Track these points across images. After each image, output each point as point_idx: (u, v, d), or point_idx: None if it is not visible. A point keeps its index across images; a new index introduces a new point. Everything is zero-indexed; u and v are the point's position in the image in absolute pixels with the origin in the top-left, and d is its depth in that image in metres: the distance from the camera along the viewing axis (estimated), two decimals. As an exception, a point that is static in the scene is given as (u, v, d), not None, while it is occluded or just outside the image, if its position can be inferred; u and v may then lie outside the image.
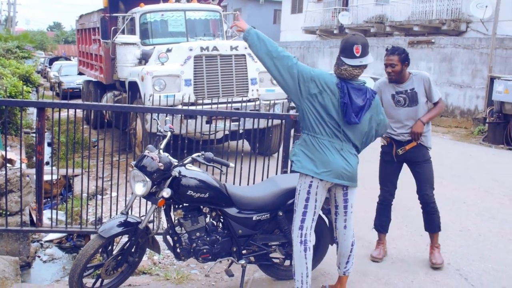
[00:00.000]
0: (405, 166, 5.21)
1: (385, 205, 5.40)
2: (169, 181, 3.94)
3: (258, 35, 3.87)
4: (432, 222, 5.17)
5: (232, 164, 4.07)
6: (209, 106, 6.96)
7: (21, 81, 12.25)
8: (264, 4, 37.49)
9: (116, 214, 4.86)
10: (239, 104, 9.07)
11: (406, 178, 5.36)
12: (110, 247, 4.18)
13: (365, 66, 3.85)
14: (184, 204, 4.11)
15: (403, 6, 24.16)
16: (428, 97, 4.98)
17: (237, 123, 5.89)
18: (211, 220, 4.27)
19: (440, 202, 7.00)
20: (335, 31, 28.35)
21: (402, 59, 4.85)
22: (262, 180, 5.18)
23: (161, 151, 4.04)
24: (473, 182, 8.74)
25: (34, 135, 6.04)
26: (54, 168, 6.52)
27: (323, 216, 4.52)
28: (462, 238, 5.97)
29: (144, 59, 10.32)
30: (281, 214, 4.28)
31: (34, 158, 5.23)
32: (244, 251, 4.31)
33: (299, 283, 3.96)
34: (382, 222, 5.40)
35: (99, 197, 6.63)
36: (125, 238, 4.25)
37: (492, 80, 15.23)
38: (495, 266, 5.18)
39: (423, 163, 5.10)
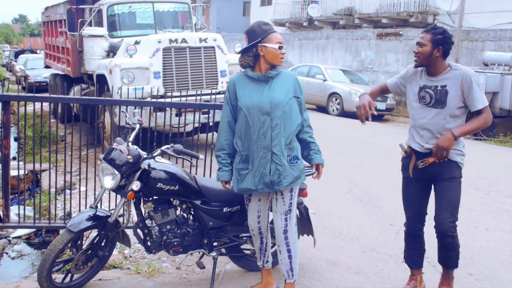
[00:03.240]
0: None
1: (414, 235, 4.34)
2: (138, 174, 3.91)
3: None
4: (448, 259, 4.12)
5: (202, 156, 4.06)
6: (179, 98, 6.91)
7: (-15, 75, 11.97)
8: (233, -4, 37.40)
9: (85, 208, 4.81)
10: (209, 97, 9.05)
11: (372, 165, 5.40)
12: (79, 242, 4.13)
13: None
14: (154, 197, 4.08)
15: (371, -2, 24.39)
16: (466, 102, 3.80)
17: (207, 115, 5.88)
18: (181, 212, 4.24)
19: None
20: (304, 24, 28.47)
21: (435, 40, 3.78)
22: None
23: (130, 143, 4.00)
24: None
25: (-1, 129, 5.94)
26: (21, 163, 6.41)
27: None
28: (430, 226, 6.02)
29: (112, 51, 10.19)
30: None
31: (0, 153, 5.12)
32: (215, 243, 4.31)
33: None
34: (412, 256, 4.35)
35: (68, 191, 6.54)
36: (94, 232, 4.20)
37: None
38: (462, 253, 5.22)
39: (447, 181, 3.92)
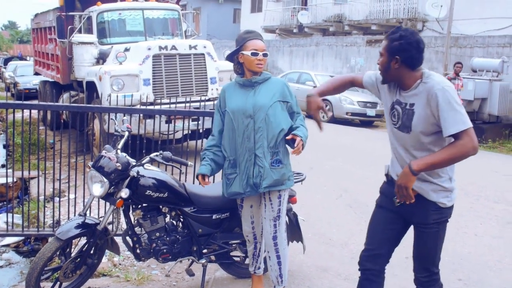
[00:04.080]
0: None
1: (366, 279, 3.42)
2: (127, 181, 3.90)
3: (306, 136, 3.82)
4: None
5: (191, 163, 4.06)
6: (168, 105, 6.91)
7: (-26, 82, 11.91)
8: (224, 3, 37.46)
9: (74, 216, 4.79)
10: (199, 104, 9.05)
11: (362, 171, 5.43)
12: (68, 250, 4.10)
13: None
14: (143, 204, 4.07)
15: (361, 5, 24.50)
16: (438, 123, 2.89)
17: (197, 122, 5.87)
18: (170, 219, 4.24)
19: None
20: (294, 30, 28.56)
21: (390, 48, 2.97)
22: (221, 179, 5.17)
23: (118, 151, 3.99)
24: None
25: (-12, 137, 5.90)
26: (10, 170, 6.37)
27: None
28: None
29: (101, 58, 10.17)
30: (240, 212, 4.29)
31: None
32: (204, 250, 4.30)
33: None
34: None
35: (57, 199, 6.51)
36: (83, 240, 4.19)
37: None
38: (451, 259, 5.30)
39: (422, 227, 3.16)
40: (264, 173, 3.72)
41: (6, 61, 34.81)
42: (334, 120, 16.98)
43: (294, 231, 4.60)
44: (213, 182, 5.27)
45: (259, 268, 4.20)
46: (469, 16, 19.09)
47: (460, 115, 2.83)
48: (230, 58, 3.89)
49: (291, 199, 4.40)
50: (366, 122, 17.57)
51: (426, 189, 3.04)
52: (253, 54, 3.72)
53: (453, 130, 2.82)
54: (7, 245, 6.80)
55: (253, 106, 3.73)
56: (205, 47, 9.62)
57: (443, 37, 18.03)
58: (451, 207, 3.17)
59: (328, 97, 17.36)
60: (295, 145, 3.65)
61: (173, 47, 9.30)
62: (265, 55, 3.75)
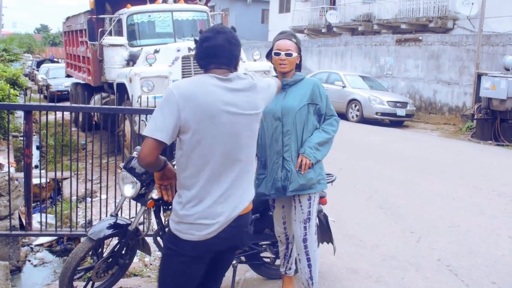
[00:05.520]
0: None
1: None
2: (158, 182, 3.92)
3: (323, 151, 3.79)
4: None
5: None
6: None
7: (8, 84, 12.14)
8: (252, 4, 37.48)
9: (106, 216, 4.84)
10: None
11: (392, 172, 5.37)
12: (100, 250, 4.16)
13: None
14: (174, 205, 4.09)
15: (390, 4, 24.27)
16: None
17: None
18: (201, 220, 4.25)
19: (428, 198, 7.05)
20: (323, 30, 28.42)
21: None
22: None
23: (149, 152, 4.01)
24: (461, 178, 8.79)
25: (22, 138, 6.02)
26: (43, 171, 6.48)
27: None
28: (451, 234, 6.01)
29: (131, 60, 10.29)
30: (271, 213, 4.28)
31: (23, 162, 5.19)
32: (234, 251, 4.31)
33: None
34: None
35: (89, 199, 6.60)
36: (115, 240, 4.23)
37: (479, 76, 15.36)
38: (484, 261, 5.21)
39: None
40: (291, 177, 3.71)
41: (39, 64, 35.44)
42: (364, 120, 16.85)
43: (325, 232, 4.56)
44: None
45: (290, 269, 4.19)
46: (501, 14, 18.75)
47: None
48: (268, 58, 3.94)
49: (321, 200, 4.37)
50: (396, 122, 17.39)
51: None
52: (276, 54, 3.72)
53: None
54: (41, 245, 6.92)
55: (281, 109, 3.72)
56: (233, 48, 9.62)
57: (474, 35, 17.72)
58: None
59: (357, 97, 17.28)
60: (297, 166, 3.69)
61: (202, 49, 9.32)
62: (288, 54, 3.70)
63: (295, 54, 3.73)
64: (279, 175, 3.74)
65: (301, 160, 3.69)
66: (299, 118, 3.72)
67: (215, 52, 2.67)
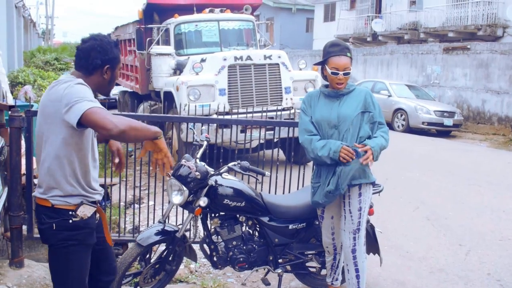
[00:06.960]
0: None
1: None
2: (205, 190, 3.97)
3: (380, 146, 3.78)
4: None
5: (267, 173, 4.08)
6: (244, 115, 6.98)
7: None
8: (297, 13, 37.51)
9: (153, 222, 4.92)
10: (274, 113, 9.10)
11: (440, 182, 5.27)
12: (148, 256, 4.23)
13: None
14: (221, 213, 4.13)
15: (437, 12, 23.90)
16: None
17: (272, 132, 5.90)
18: (247, 229, 4.28)
19: (478, 211, 6.90)
20: (368, 39, 28.22)
21: None
22: (297, 188, 5.18)
23: (197, 160, 4.07)
24: (511, 190, 8.56)
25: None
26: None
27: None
28: (502, 247, 5.85)
29: (178, 69, 10.43)
30: (317, 223, 4.27)
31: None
32: (280, 260, 4.31)
33: None
34: None
35: (136, 206, 6.71)
36: (162, 247, 4.29)
37: (530, 86, 14.95)
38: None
39: None
40: (341, 175, 3.71)
41: (88, 72, 36.25)
42: (410, 129, 16.61)
43: (371, 243, 4.52)
44: (289, 192, 5.28)
45: (337, 279, 4.17)
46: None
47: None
48: (316, 65, 4.01)
49: (369, 210, 4.33)
50: (443, 132, 17.06)
51: None
52: (333, 73, 3.72)
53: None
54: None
55: (337, 117, 3.74)
56: (279, 57, 9.67)
57: (526, 44, 17.29)
58: None
59: (403, 106, 17.05)
60: (364, 157, 3.62)
61: (248, 58, 9.40)
62: (346, 74, 3.73)
63: (351, 70, 3.77)
64: (329, 181, 3.74)
65: (368, 152, 3.64)
66: (354, 126, 3.74)
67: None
